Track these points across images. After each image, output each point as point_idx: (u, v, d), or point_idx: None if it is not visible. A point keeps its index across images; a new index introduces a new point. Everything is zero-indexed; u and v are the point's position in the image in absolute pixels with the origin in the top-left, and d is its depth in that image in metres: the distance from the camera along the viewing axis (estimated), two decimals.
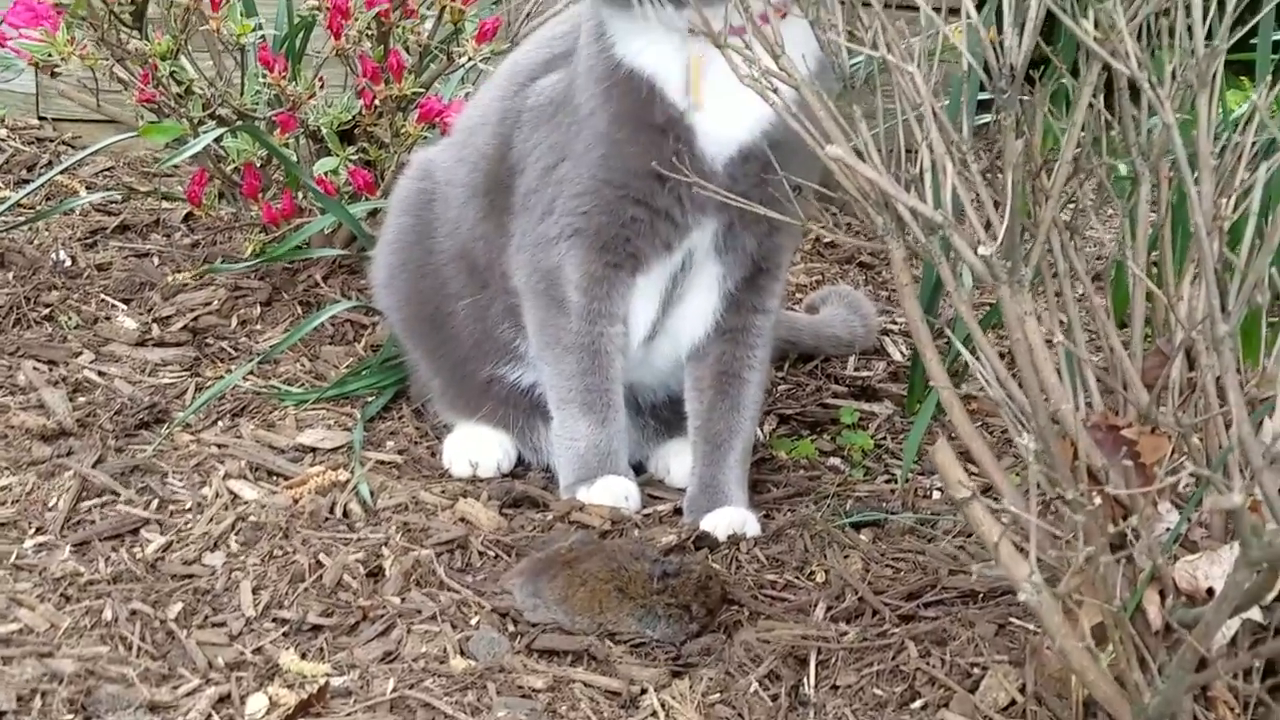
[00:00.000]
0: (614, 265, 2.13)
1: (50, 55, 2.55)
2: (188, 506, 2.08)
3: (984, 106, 2.36)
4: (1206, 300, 1.36)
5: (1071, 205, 1.86)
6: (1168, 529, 1.65)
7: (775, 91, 1.73)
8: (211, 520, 2.03)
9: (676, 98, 2.03)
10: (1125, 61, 1.37)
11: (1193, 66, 1.36)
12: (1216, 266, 1.38)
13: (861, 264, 3.26)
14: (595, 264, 2.13)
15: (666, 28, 1.99)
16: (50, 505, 2.06)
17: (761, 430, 2.48)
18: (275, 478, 2.18)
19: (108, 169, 3.25)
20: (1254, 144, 1.62)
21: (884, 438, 2.54)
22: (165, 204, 3.01)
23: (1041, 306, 1.72)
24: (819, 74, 1.95)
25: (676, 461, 2.31)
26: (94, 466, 2.14)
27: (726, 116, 2.02)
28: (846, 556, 2.08)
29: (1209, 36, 1.54)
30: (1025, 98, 1.68)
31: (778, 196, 1.97)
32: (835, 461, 2.46)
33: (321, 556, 1.95)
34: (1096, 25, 1.40)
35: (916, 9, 1.71)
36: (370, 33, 2.63)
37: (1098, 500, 1.49)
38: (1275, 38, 2.80)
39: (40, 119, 3.44)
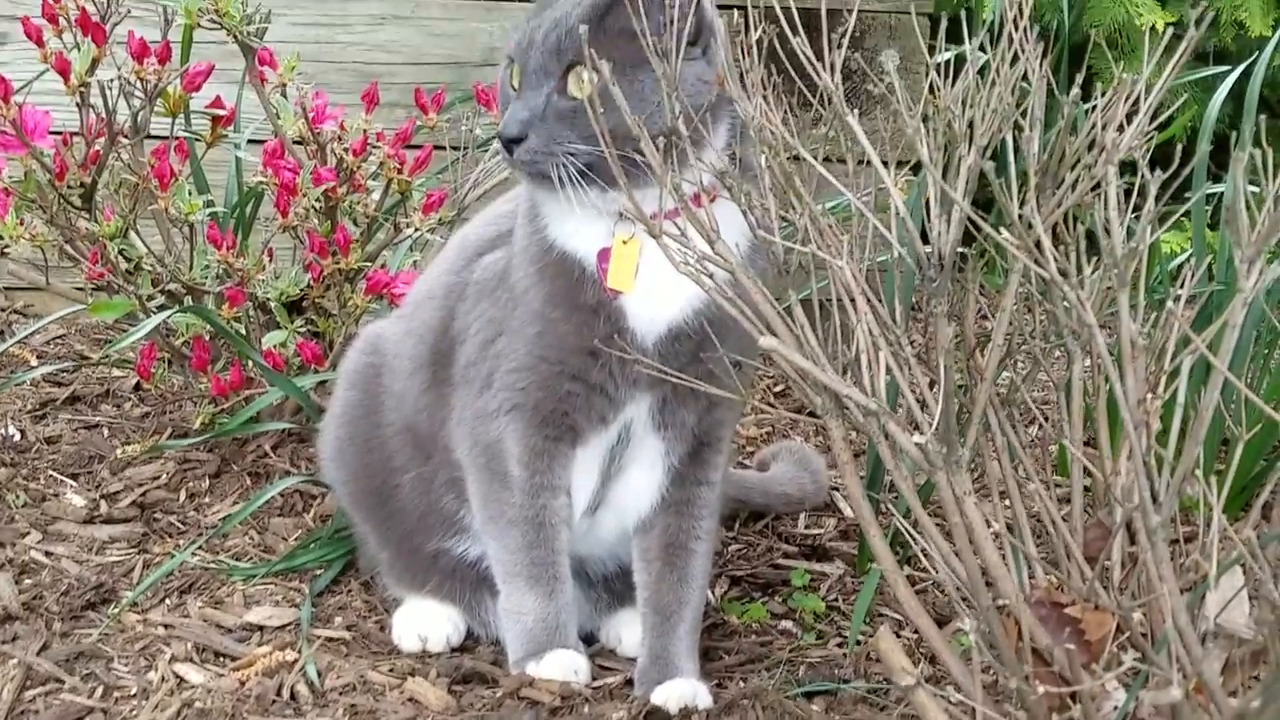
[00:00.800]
0: (554, 439, 2.13)
1: (0, 237, 2.57)
2: (133, 693, 2.06)
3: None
4: (1139, 492, 1.37)
5: (1006, 378, 1.89)
6: (1115, 707, 1.66)
7: (710, 276, 1.76)
8: (157, 707, 2.01)
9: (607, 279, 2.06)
10: (1046, 265, 1.40)
11: (1111, 266, 1.39)
12: (1147, 458, 1.39)
13: (813, 413, 3.27)
14: (535, 437, 2.13)
15: (596, 211, 2.02)
16: None
17: (713, 593, 2.48)
18: (222, 659, 2.17)
19: (58, 337, 3.26)
20: (1186, 304, 1.65)
21: (835, 599, 2.54)
22: (116, 372, 3.02)
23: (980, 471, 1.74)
24: (751, 256, 1.98)
25: (627, 631, 2.30)
26: (39, 653, 2.12)
27: (655, 297, 2.04)
28: None
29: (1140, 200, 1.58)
30: (957, 278, 1.71)
31: (716, 372, 1.99)
32: (787, 625, 2.45)
33: None
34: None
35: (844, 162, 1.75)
36: (317, 207, 2.65)
37: (1042, 689, 1.49)
38: (1209, 190, 2.86)
39: None
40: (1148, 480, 1.40)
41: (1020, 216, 1.46)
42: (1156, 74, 1.69)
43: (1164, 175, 1.44)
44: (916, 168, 2.06)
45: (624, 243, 2.04)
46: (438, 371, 2.24)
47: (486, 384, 2.15)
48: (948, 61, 1.72)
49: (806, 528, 2.78)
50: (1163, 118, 1.68)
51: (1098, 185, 1.54)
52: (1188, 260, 2.86)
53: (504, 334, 2.14)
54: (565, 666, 2.13)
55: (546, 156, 1.97)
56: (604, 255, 2.05)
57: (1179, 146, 1.67)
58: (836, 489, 2.90)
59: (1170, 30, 1.66)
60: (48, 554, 2.40)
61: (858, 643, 2.34)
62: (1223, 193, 2.81)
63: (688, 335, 2.04)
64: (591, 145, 1.91)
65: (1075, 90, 1.53)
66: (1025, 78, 1.70)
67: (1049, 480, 1.86)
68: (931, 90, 1.68)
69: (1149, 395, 1.41)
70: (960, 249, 1.66)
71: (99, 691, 2.06)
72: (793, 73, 1.73)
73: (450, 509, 2.27)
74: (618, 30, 1.90)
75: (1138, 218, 1.57)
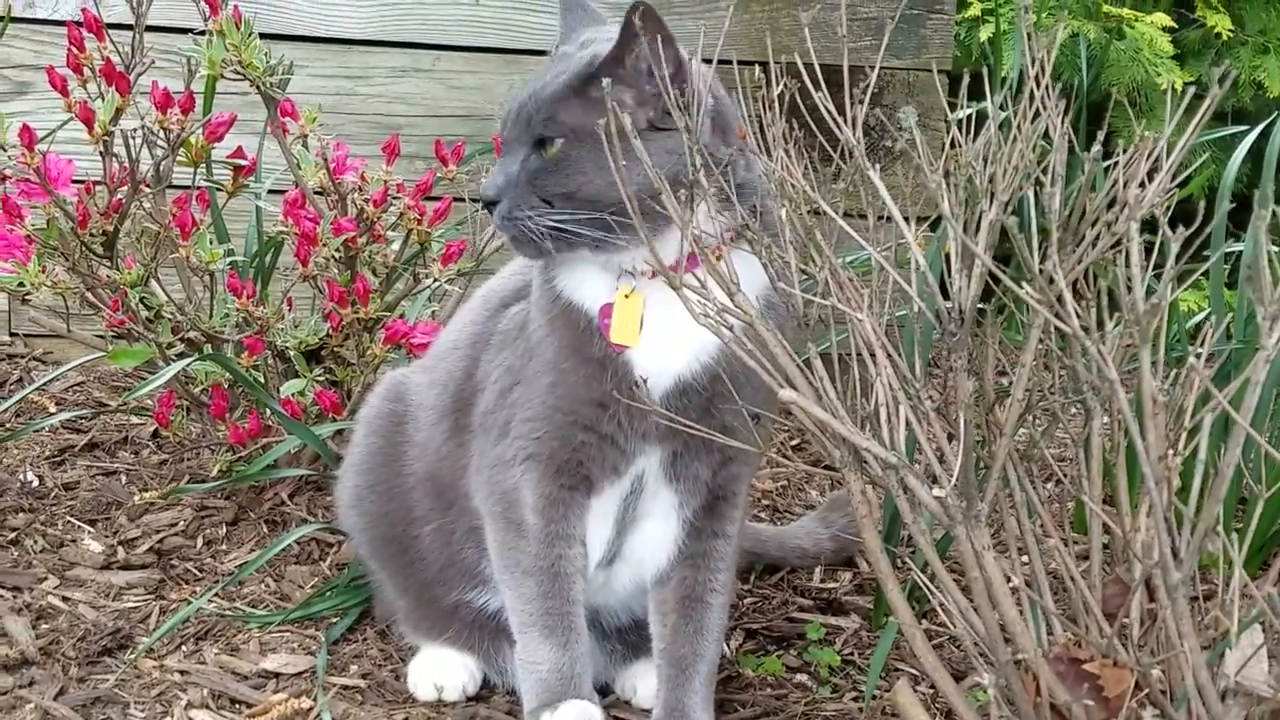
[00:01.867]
0: (569, 488, 2.14)
1: (22, 284, 2.58)
2: None
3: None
4: (1159, 548, 1.37)
5: (1025, 434, 1.89)
6: None
7: (729, 328, 1.77)
8: None
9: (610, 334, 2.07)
10: (1068, 320, 1.40)
11: (1132, 322, 1.40)
12: (1167, 513, 1.40)
13: (828, 467, 3.27)
14: (551, 486, 2.14)
15: (601, 266, 2.04)
16: None
17: (728, 646, 2.47)
18: (238, 705, 2.17)
19: (78, 384, 3.28)
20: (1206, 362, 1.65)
21: (851, 652, 2.54)
22: (134, 419, 3.03)
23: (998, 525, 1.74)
24: (764, 311, 1.99)
25: (643, 683, 2.30)
26: (55, 698, 2.13)
27: (662, 351, 2.04)
28: None
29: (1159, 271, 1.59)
30: (976, 333, 1.71)
31: (733, 425, 2.00)
32: (802, 678, 2.45)
33: None
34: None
35: (864, 217, 1.76)
36: (337, 257, 2.67)
37: None
38: (1227, 249, 2.87)
39: (12, 335, 3.47)
40: (1168, 536, 1.40)
41: (1041, 271, 1.46)
42: (1178, 133, 1.70)
43: (1185, 233, 1.44)
44: (935, 224, 2.09)
45: (625, 297, 2.05)
46: (459, 420, 2.25)
47: (503, 432, 2.16)
48: (968, 118, 1.73)
49: (822, 581, 2.78)
50: (1182, 176, 1.69)
51: (1118, 242, 1.54)
52: (1207, 318, 2.86)
53: (520, 383, 2.15)
54: (579, 717, 2.13)
55: (513, 220, 2.01)
56: (607, 311, 2.07)
57: (1199, 205, 1.68)
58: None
59: (1190, 90, 1.66)
60: (65, 599, 2.40)
61: (873, 697, 2.33)
62: (1240, 252, 2.81)
63: (696, 390, 2.05)
64: (550, 206, 1.98)
65: (1096, 147, 1.54)
66: (1046, 135, 1.71)
67: (1067, 537, 1.86)
68: (953, 146, 1.69)
69: (1169, 451, 1.42)
70: (980, 304, 1.66)
71: None
72: (814, 126, 1.74)
73: (471, 560, 2.27)
74: (599, 99, 1.91)
75: (1158, 276, 1.57)
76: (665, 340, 2.04)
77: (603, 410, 2.08)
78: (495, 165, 2.06)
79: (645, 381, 2.03)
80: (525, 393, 2.14)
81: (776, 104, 1.80)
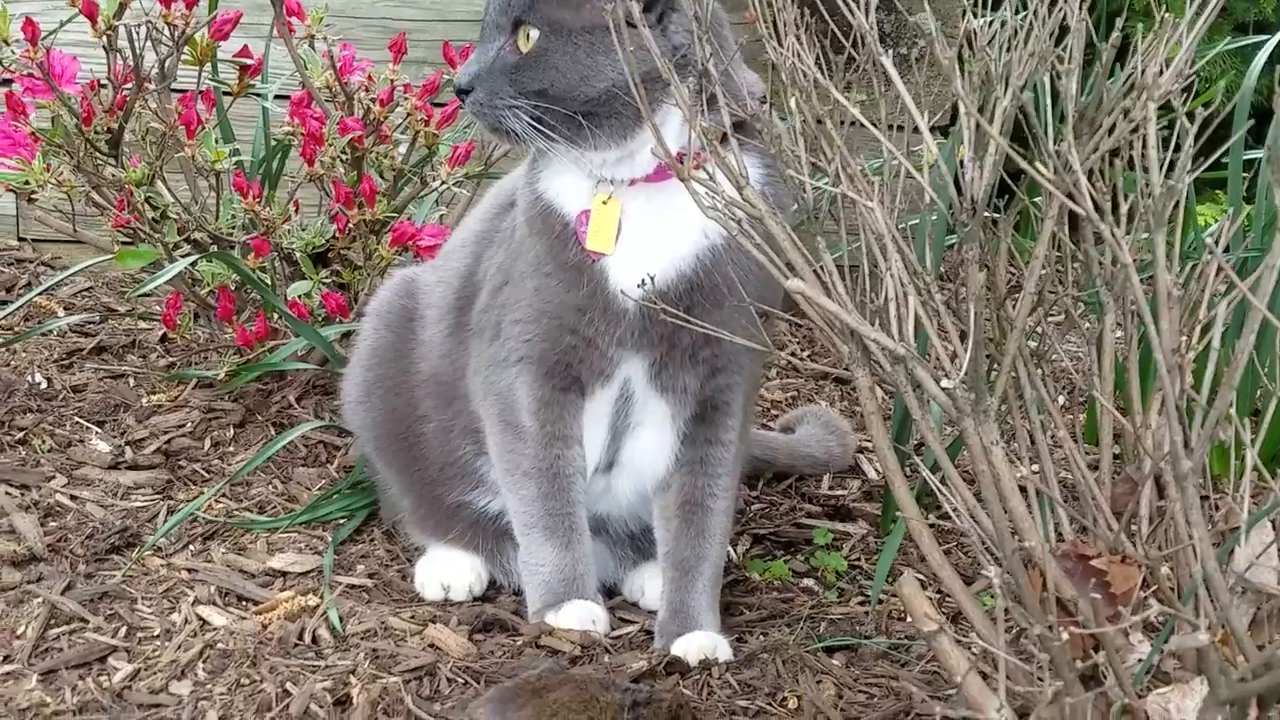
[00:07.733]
0: (562, 389, 2.14)
1: (27, 182, 2.56)
2: (156, 633, 2.06)
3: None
4: (1170, 437, 1.36)
5: (1038, 332, 1.88)
6: (1139, 660, 1.65)
7: (738, 221, 1.75)
8: (179, 648, 2.02)
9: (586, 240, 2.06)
10: (1082, 202, 1.38)
11: (1150, 205, 1.38)
12: (1179, 403, 1.38)
13: (837, 380, 3.26)
14: (544, 388, 2.14)
15: (582, 170, 2.03)
16: (19, 633, 2.04)
17: (735, 550, 2.47)
18: (245, 603, 2.17)
19: (86, 289, 3.27)
20: (1219, 271, 1.63)
21: (858, 558, 2.54)
22: (142, 324, 3.02)
23: (1009, 435, 1.72)
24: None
25: (650, 584, 2.30)
26: (63, 593, 2.13)
27: (637, 261, 2.02)
28: (819, 682, 2.06)
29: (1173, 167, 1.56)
30: (989, 228, 1.69)
31: (718, 334, 1.98)
32: (809, 582, 2.45)
33: (289, 685, 1.93)
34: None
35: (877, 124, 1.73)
36: (344, 157, 2.64)
37: (1066, 636, 1.48)
38: (1246, 156, 2.84)
39: (20, 240, 3.46)
40: (1180, 427, 1.38)
41: (1057, 153, 1.44)
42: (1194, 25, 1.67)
43: (1203, 116, 1.42)
44: (947, 132, 2.05)
45: (603, 203, 2.04)
46: (460, 317, 2.25)
47: (495, 333, 2.16)
48: (986, 25, 1.70)
49: (830, 489, 2.77)
50: (1196, 67, 1.66)
51: (1135, 129, 1.52)
52: (1225, 214, 2.83)
53: (509, 283, 2.14)
54: (583, 617, 2.13)
55: (490, 109, 2.01)
56: (584, 217, 2.05)
57: (1217, 119, 1.65)
58: (862, 451, 2.89)
59: None
60: (73, 498, 2.40)
61: (879, 601, 2.33)
62: (1259, 162, 2.78)
63: (672, 299, 2.02)
64: (528, 100, 1.97)
65: (1116, 34, 1.51)
66: (1063, 28, 1.67)
67: (1078, 435, 1.84)
68: (969, 43, 1.66)
69: (1184, 339, 1.40)
70: (993, 206, 1.64)
71: (122, 631, 2.07)
72: (825, 15, 1.71)
73: (468, 459, 2.27)
74: None
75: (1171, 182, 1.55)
76: (641, 250, 2.03)
77: (581, 314, 2.07)
78: (471, 54, 2.06)
79: (618, 291, 2.03)
80: (513, 293, 2.14)
81: None
